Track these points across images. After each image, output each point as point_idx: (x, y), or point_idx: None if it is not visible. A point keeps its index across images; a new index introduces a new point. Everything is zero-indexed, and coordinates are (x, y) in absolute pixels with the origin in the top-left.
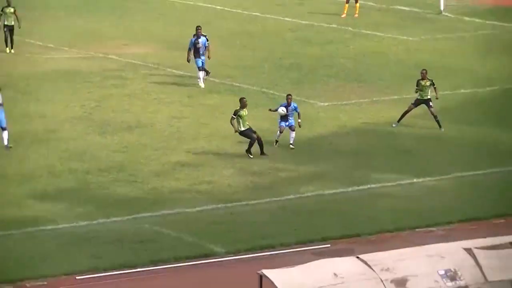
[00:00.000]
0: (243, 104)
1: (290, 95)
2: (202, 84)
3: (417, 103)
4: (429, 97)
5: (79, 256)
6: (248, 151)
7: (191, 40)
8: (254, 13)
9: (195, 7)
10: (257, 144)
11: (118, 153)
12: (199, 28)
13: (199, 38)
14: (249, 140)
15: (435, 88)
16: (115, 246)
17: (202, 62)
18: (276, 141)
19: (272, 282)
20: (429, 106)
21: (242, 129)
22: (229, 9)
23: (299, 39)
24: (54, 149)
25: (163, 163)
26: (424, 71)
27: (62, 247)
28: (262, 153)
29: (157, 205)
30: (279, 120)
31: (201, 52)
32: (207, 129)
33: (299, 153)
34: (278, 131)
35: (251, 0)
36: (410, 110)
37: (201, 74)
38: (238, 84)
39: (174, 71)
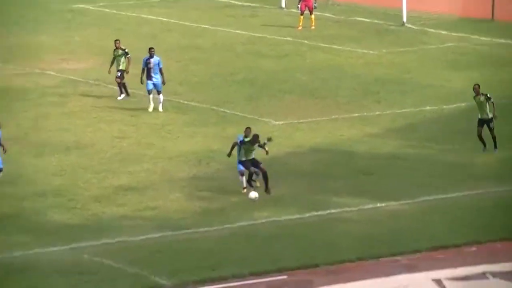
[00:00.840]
0: (246, 133)
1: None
2: (151, 108)
3: (480, 123)
4: (490, 116)
5: None
6: (248, 181)
7: (144, 59)
8: (203, 26)
9: (139, 19)
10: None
11: (56, 176)
12: (152, 49)
13: (151, 58)
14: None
15: (492, 103)
16: (53, 279)
17: (154, 85)
18: (244, 188)
19: None
20: (489, 127)
21: (243, 159)
22: (175, 21)
23: (252, 52)
24: None
25: (105, 187)
26: (477, 86)
27: None
28: (266, 188)
29: (98, 233)
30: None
31: (152, 74)
32: (152, 150)
33: None
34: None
35: (199, 11)
36: (480, 133)
37: (151, 98)
38: (185, 102)
39: (116, 87)
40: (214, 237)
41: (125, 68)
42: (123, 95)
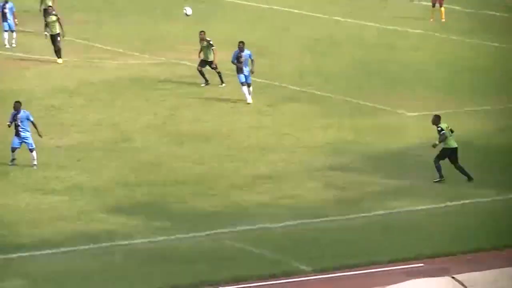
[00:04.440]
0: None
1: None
2: (249, 100)
3: None
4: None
5: (155, 273)
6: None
7: (234, 53)
8: (335, 18)
9: (271, 11)
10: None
11: (195, 164)
12: (242, 43)
13: (242, 52)
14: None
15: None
16: (194, 264)
17: (245, 77)
18: None
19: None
20: None
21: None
22: (308, 13)
23: (384, 44)
24: (127, 159)
25: (243, 176)
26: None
27: (138, 264)
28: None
29: (238, 220)
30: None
31: (243, 67)
32: (289, 140)
33: (385, 166)
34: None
35: (331, 3)
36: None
37: (245, 89)
38: (319, 93)
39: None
40: (351, 226)
41: (213, 59)
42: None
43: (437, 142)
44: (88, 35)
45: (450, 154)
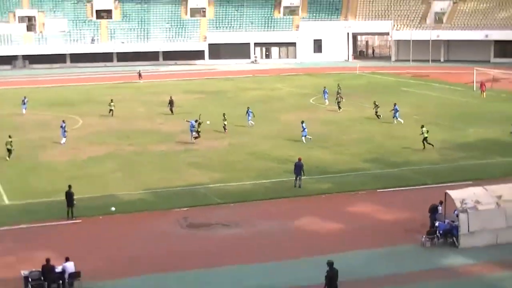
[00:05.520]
0: None
1: None
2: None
3: None
4: None
5: (379, 183)
6: None
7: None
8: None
9: (448, 99)
10: None
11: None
12: None
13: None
14: None
15: None
16: (397, 180)
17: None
18: None
19: (449, 195)
20: None
21: None
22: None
23: None
24: (391, 143)
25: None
26: None
27: (377, 179)
28: None
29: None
30: None
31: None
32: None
33: None
34: None
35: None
36: None
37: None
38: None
39: None
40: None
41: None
42: None
43: None
44: (356, 103)
45: None
